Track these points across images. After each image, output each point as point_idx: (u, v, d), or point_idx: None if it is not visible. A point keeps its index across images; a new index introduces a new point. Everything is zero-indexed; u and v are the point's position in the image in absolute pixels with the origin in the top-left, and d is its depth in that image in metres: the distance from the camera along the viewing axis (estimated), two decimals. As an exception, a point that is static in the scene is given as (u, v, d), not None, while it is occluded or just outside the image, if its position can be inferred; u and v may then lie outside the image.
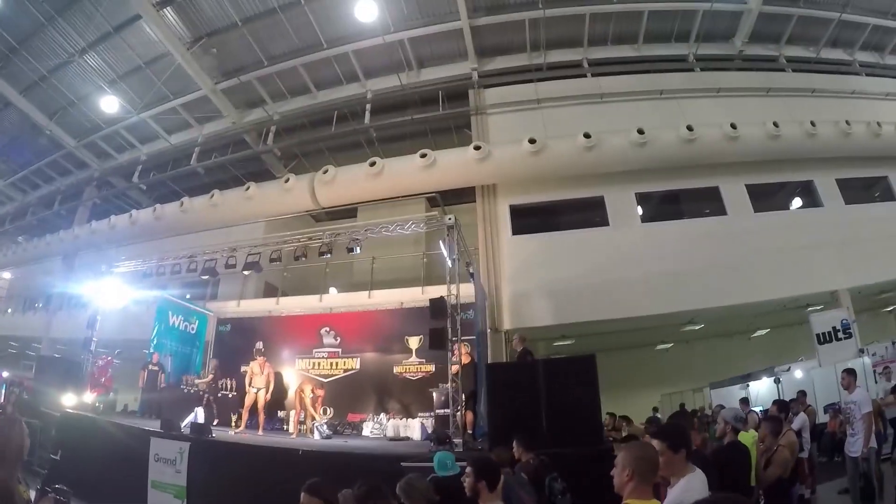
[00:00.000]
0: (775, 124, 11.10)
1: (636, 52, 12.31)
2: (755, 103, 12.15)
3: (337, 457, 6.31)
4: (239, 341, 11.48)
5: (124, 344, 11.83)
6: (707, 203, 11.22)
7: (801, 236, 11.34)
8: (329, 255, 10.17)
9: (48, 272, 15.92)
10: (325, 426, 8.91)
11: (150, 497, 6.64)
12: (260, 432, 8.65)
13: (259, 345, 11.66)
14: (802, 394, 9.10)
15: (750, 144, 11.03)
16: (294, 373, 11.28)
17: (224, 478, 6.37)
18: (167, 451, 6.80)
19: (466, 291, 9.38)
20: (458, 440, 7.15)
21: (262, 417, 8.96)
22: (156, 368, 10.43)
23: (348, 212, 12.06)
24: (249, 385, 9.03)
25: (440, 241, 8.59)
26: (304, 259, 10.62)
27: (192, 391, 10.60)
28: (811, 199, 12.21)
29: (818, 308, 12.36)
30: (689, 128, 10.53)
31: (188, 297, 13.38)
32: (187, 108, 13.75)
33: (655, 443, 2.38)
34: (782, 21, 12.97)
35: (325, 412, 9.68)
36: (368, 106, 11.96)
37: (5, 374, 13.04)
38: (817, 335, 10.31)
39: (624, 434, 7.64)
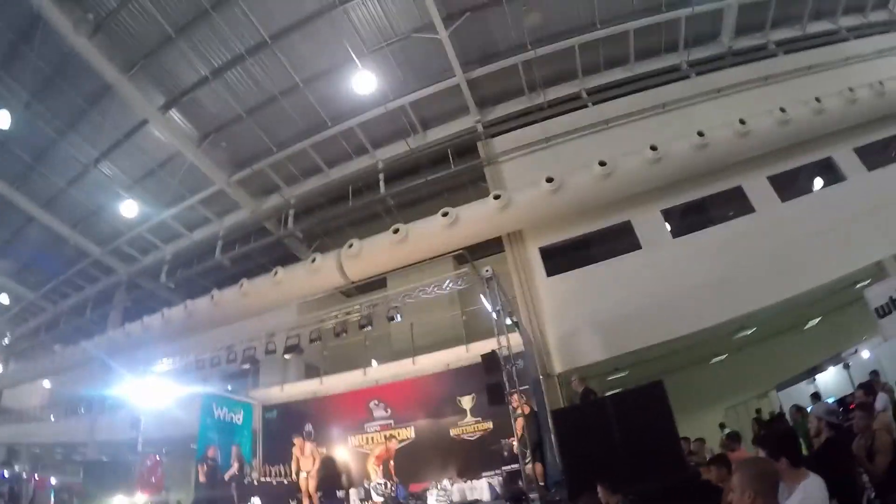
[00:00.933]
0: (782, 109, 11.10)
1: (630, 72, 12.48)
2: (757, 95, 12.16)
3: None
4: (288, 426, 11.46)
5: (167, 442, 11.90)
6: (734, 204, 11.13)
7: (833, 214, 11.16)
8: (370, 328, 10.20)
9: (87, 378, 16.18)
10: (382, 485, 8.87)
11: None
12: None
13: (308, 426, 11.76)
14: (875, 374, 8.69)
15: (762, 136, 11.02)
16: (347, 451, 11.24)
17: None
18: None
19: (514, 341, 9.38)
20: (533, 494, 7.08)
21: (315, 500, 8.99)
22: (212, 463, 10.43)
23: (378, 283, 12.17)
24: (298, 471, 9.19)
25: (480, 295, 8.58)
26: (345, 335, 10.65)
27: (245, 481, 10.62)
28: (834, 175, 12.07)
29: (866, 283, 12.10)
30: (700, 133, 10.55)
31: (229, 388, 13.52)
32: (205, 203, 14.15)
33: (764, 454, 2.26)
34: (763, 8, 13.11)
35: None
36: (381, 175, 12.20)
37: (53, 480, 13.10)
38: (875, 309, 10.01)
39: (708, 457, 7.42)
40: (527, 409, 8.25)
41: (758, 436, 3.62)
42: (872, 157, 12.18)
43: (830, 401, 10.01)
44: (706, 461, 6.41)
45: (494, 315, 8.37)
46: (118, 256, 16.61)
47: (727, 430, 11.09)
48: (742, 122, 10.86)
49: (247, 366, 11.69)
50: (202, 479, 10.27)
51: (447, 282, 8.99)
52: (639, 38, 12.09)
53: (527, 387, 9.09)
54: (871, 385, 7.87)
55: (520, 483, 7.69)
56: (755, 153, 11.14)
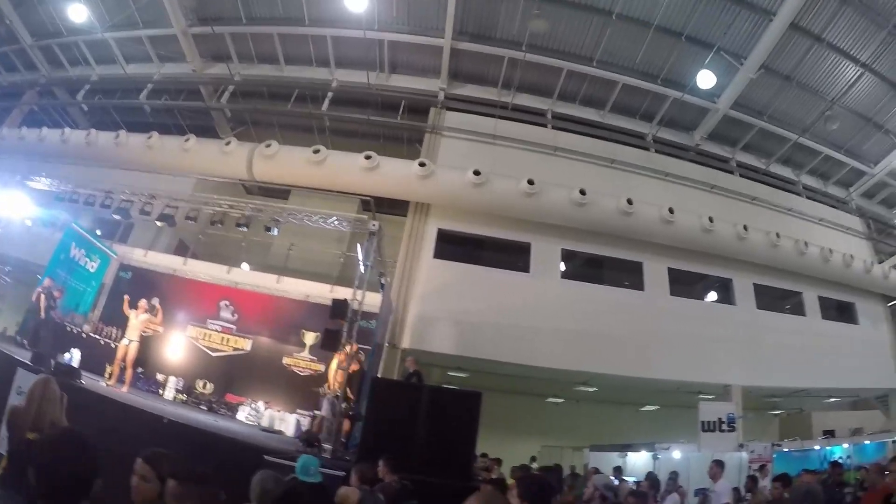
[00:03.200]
0: (710, 219, 11.77)
1: (600, 118, 12.84)
2: (697, 196, 12.86)
3: (201, 434, 6.07)
4: (137, 292, 10.96)
5: (15, 262, 11.09)
6: (628, 275, 11.72)
7: (708, 328, 12.03)
8: (246, 228, 9.96)
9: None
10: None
11: (1, 429, 6.19)
12: (125, 389, 8.18)
13: (156, 300, 11.30)
14: (675, 475, 9.35)
15: (682, 231, 11.64)
16: (184, 339, 10.92)
17: (81, 428, 5.99)
18: (28, 384, 6.38)
19: (373, 300, 9.42)
20: (328, 446, 7.14)
21: (129, 372, 8.51)
22: (47, 295, 9.78)
23: (281, 193, 11.90)
24: (122, 336, 8.62)
25: (358, 245, 8.59)
26: (220, 225, 10.37)
27: (74, 330, 10.08)
28: (726, 296, 12.96)
29: (709, 397, 13.11)
30: (629, 201, 11.03)
31: (98, 233, 12.78)
32: (153, 42, 13.25)
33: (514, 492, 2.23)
34: (743, 128, 13.85)
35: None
36: (330, 94, 11.90)
37: None
38: (702, 422, 10.80)
39: (493, 476, 7.72)
40: (356, 367, 8.29)
41: (524, 476, 3.73)
42: (767, 299, 13.16)
43: (632, 480, 10.72)
44: (489, 479, 6.69)
45: (362, 268, 8.41)
46: (46, 56, 15.25)
47: (535, 465, 11.68)
48: (671, 210, 11.44)
49: (118, 217, 11.10)
50: (41, 313, 9.54)
51: (334, 218, 8.88)
52: (623, 93, 12.47)
53: (369, 348, 9.19)
54: (657, 481, 8.47)
55: (322, 432, 7.75)
56: (668, 243, 11.75)
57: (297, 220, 9.44)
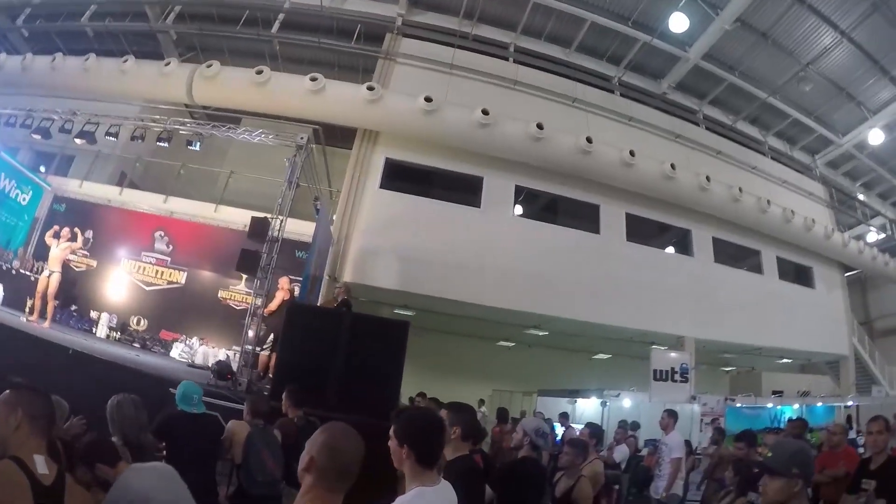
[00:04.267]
0: (672, 166, 11.33)
1: (565, 56, 12.21)
2: (660, 144, 12.42)
3: (107, 366, 5.53)
4: (71, 226, 10.27)
5: None
6: (584, 218, 11.29)
7: (664, 277, 11.74)
8: (197, 148, 9.07)
9: None
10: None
11: None
12: (47, 324, 7.50)
13: (90, 233, 10.60)
14: (624, 423, 8.89)
15: (642, 176, 11.16)
16: (118, 274, 10.27)
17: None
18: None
19: (303, 229, 8.86)
20: (243, 379, 6.53)
21: (51, 306, 7.78)
22: None
23: (231, 121, 11.12)
24: (43, 268, 7.92)
25: (285, 160, 7.89)
26: (165, 145, 9.37)
27: (3, 266, 9.36)
28: (684, 247, 12.66)
29: (662, 348, 12.91)
30: (589, 139, 10.50)
31: (42, 170, 11.94)
32: (97, -40, 12.21)
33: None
34: (713, 81, 13.32)
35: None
36: (281, 16, 11.06)
37: None
38: (654, 371, 10.60)
39: None
40: (287, 296, 7.64)
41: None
42: (723, 254, 12.89)
43: (577, 428, 10.41)
44: None
45: (285, 184, 7.71)
46: (-13, -20, 14.09)
47: (483, 408, 11.37)
48: (632, 153, 10.94)
49: (38, 136, 10.20)
50: None
51: (259, 132, 8.17)
52: (591, 32, 11.82)
53: (300, 279, 8.61)
54: (600, 430, 8.02)
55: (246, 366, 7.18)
56: (626, 187, 11.29)
57: (241, 142, 8.67)
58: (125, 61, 10.56)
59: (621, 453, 7.93)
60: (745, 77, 13.20)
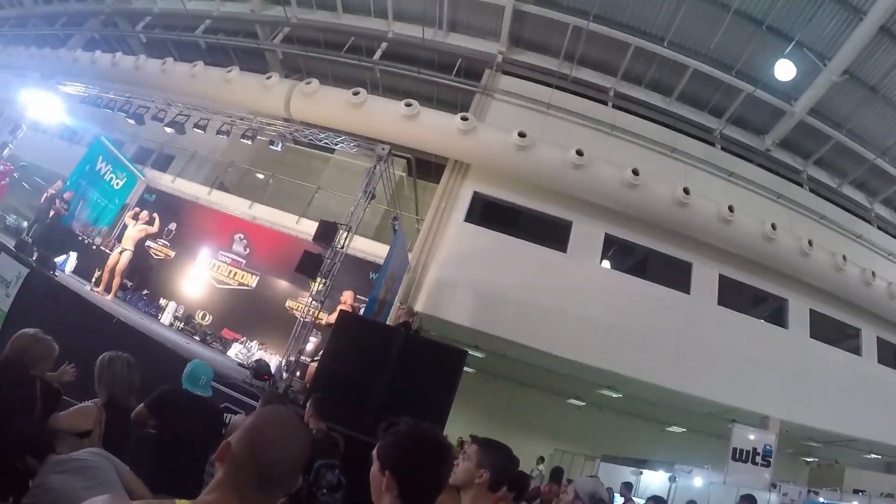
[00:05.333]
0: (773, 226, 10.25)
1: (666, 104, 11.47)
2: (761, 203, 11.32)
3: (143, 340, 5.26)
4: (159, 216, 10.46)
5: (32, 167, 10.72)
6: (674, 275, 10.27)
7: (755, 348, 10.48)
8: (278, 149, 8.93)
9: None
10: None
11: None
12: (110, 297, 7.54)
13: (173, 225, 10.74)
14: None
15: (740, 235, 10.12)
16: (193, 268, 10.29)
17: (44, 319, 5.28)
18: (6, 269, 5.84)
19: (374, 249, 8.47)
20: (282, 383, 6.20)
21: (117, 281, 7.87)
22: (66, 207, 9.20)
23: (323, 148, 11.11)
24: (116, 244, 8.07)
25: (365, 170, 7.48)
26: (249, 142, 9.21)
27: (85, 240, 9.57)
28: (778, 318, 11.32)
29: (747, 427, 11.47)
30: (686, 190, 9.64)
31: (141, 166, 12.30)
32: (216, -20, 12.87)
33: None
34: (819, 139, 12.22)
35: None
36: (384, 45, 11.04)
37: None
38: (734, 449, 9.35)
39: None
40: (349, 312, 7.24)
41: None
42: (820, 329, 11.51)
43: (641, 501, 9.24)
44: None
45: (361, 194, 7.31)
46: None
47: (541, 466, 10.36)
48: (731, 209, 9.98)
49: (132, 121, 10.24)
50: (51, 215, 9.05)
51: (343, 139, 7.86)
52: (693, 80, 11.10)
53: (367, 300, 8.14)
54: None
55: (279, 371, 6.74)
56: (722, 245, 10.27)
57: (334, 165, 8.48)
58: (230, 71, 10.85)
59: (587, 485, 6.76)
60: (853, 135, 12.09)
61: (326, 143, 8.03)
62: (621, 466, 10.46)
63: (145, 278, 9.97)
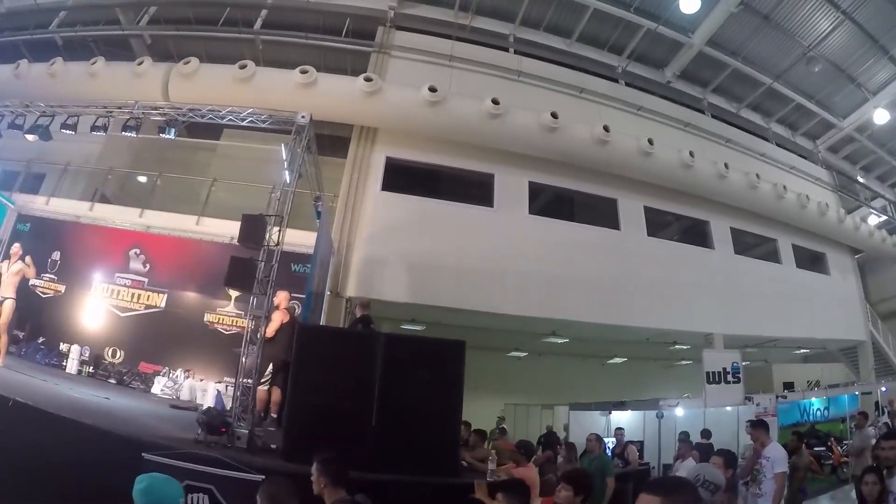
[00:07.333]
0: (691, 153, 10.24)
1: (567, 46, 11.05)
2: (671, 133, 11.32)
3: (58, 423, 3.76)
4: (38, 248, 8.60)
5: None
6: (602, 214, 10.02)
7: (687, 272, 10.56)
8: (172, 136, 7.46)
9: None
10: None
11: None
12: (0, 361, 5.93)
13: (57, 254, 9.04)
14: (686, 435, 7.33)
15: (660, 166, 10.04)
16: (89, 299, 8.65)
17: None
18: None
19: (303, 240, 7.42)
20: (244, 430, 4.41)
21: (4, 340, 6.16)
22: None
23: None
24: None
25: (282, 145, 6.31)
26: (133, 134, 7.68)
27: None
28: (704, 240, 11.49)
29: (684, 347, 11.68)
30: (606, 128, 9.31)
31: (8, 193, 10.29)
32: (64, -34, 10.84)
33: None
34: (716, 68, 12.37)
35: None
36: (264, 13, 9.74)
37: None
38: (707, 373, 9.49)
39: (491, 464, 4.47)
40: (286, 317, 5.95)
41: (566, 472, 2.92)
42: (742, 244, 11.87)
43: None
44: (486, 470, 4.34)
45: (286, 175, 6.06)
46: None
47: (502, 425, 9.89)
48: (650, 141, 9.81)
49: (32, 135, 8.42)
50: None
51: (249, 111, 6.70)
52: (593, 20, 10.72)
53: (303, 296, 7.09)
54: (734, 458, 6.41)
55: (234, 413, 4.76)
56: (645, 178, 10.14)
57: (223, 154, 7.23)
58: (94, 63, 9.15)
59: (687, 469, 6.50)
60: (749, 62, 12.33)
61: (232, 119, 6.74)
62: (590, 412, 10.22)
63: (37, 324, 8.20)
